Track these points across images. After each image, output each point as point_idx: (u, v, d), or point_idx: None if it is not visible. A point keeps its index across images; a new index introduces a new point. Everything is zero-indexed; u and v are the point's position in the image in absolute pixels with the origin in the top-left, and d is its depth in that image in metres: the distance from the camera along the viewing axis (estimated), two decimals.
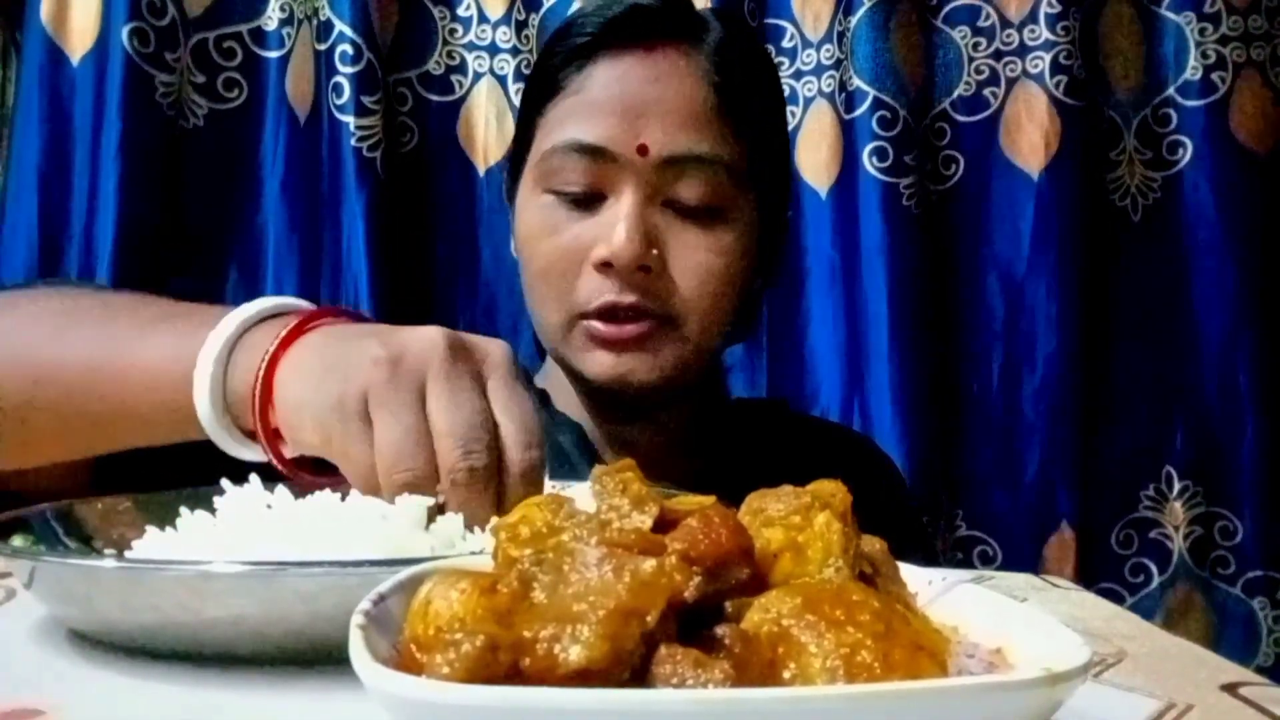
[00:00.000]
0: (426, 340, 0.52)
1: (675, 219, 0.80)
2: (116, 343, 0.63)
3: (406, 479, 0.50)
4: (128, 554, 0.49)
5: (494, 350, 0.55)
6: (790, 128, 1.27)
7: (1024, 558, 1.22)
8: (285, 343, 0.55)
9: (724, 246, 0.80)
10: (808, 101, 1.27)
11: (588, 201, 0.80)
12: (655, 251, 0.78)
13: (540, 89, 0.84)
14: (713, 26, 0.83)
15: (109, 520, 0.53)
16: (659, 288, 0.79)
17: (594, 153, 0.79)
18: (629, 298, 0.78)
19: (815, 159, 1.26)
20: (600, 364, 0.80)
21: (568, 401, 0.87)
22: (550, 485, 0.54)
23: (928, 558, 0.98)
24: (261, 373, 0.55)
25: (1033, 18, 1.25)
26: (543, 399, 0.87)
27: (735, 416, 0.96)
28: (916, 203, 1.23)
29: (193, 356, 0.57)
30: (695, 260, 0.80)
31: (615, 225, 0.77)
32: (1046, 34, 1.24)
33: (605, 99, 0.80)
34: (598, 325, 0.78)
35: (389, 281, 1.18)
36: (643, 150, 0.78)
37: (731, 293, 0.82)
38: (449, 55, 1.25)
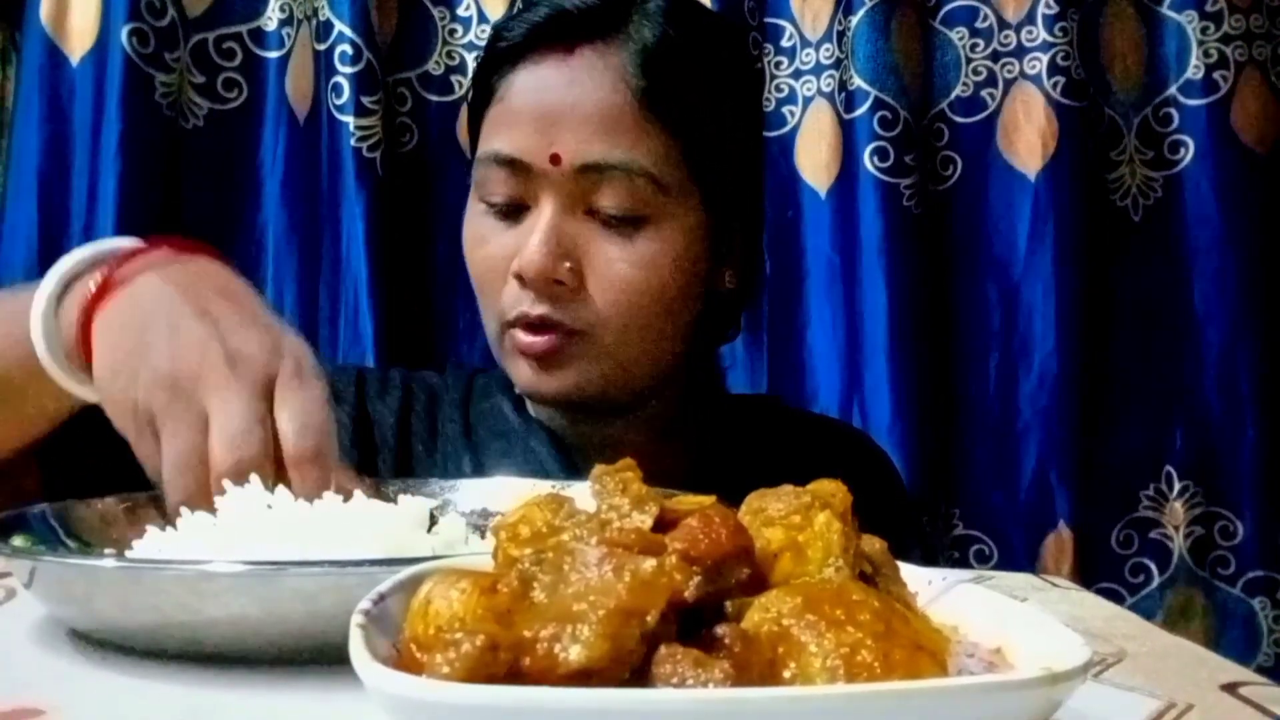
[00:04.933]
0: (206, 356, 0.56)
1: (597, 229, 0.78)
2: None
3: (181, 497, 0.54)
4: (128, 554, 0.49)
5: (283, 351, 0.59)
6: (789, 127, 1.27)
7: (1022, 557, 1.22)
8: (92, 307, 0.61)
9: (646, 258, 0.78)
10: (807, 101, 1.26)
11: (513, 212, 0.80)
12: (569, 265, 0.77)
13: (478, 95, 0.84)
14: (645, 23, 0.80)
15: (109, 520, 0.53)
16: (574, 301, 0.77)
17: (511, 164, 0.78)
18: (538, 309, 0.77)
19: (815, 159, 1.25)
20: (522, 374, 0.80)
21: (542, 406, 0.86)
22: (550, 486, 0.54)
23: (925, 552, 0.97)
24: (79, 332, 0.61)
25: (1030, 19, 1.25)
26: (518, 404, 0.87)
27: (727, 412, 0.94)
28: (917, 203, 1.23)
29: (28, 313, 0.62)
30: (613, 273, 0.78)
31: (531, 237, 0.77)
32: (1044, 35, 1.24)
33: (522, 107, 0.79)
34: (518, 334, 0.79)
35: (389, 281, 1.18)
36: (555, 160, 0.77)
37: (657, 305, 0.79)
38: (449, 55, 1.25)
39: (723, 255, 0.84)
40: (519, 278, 0.77)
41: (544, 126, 0.77)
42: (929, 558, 0.95)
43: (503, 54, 0.81)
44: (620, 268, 0.78)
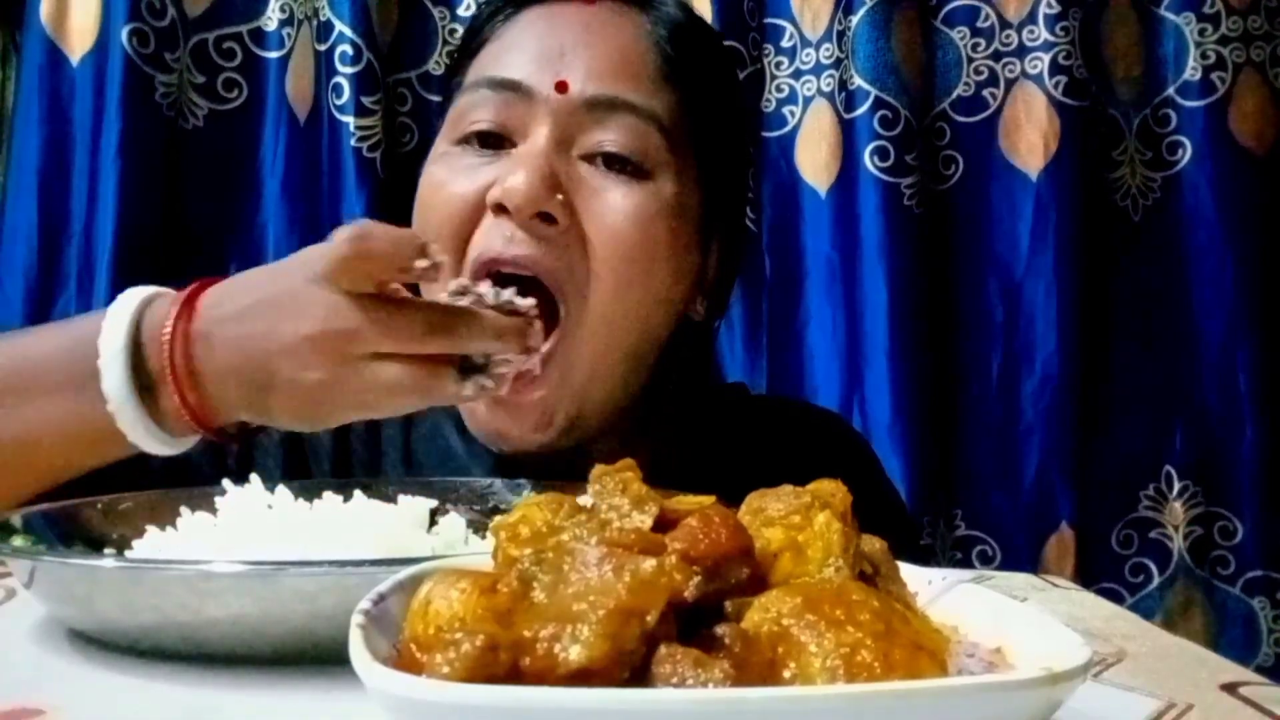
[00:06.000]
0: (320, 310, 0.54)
1: (595, 172, 0.68)
2: (20, 349, 0.62)
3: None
4: (128, 554, 0.49)
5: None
6: (789, 127, 1.27)
7: (1023, 558, 1.22)
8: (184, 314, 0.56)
9: (649, 212, 0.68)
10: (807, 101, 1.26)
11: (493, 143, 0.69)
12: (561, 197, 0.66)
13: (465, 48, 0.76)
14: (669, 3, 0.75)
15: (109, 520, 0.53)
16: (565, 244, 0.66)
17: (506, 87, 0.69)
18: (515, 249, 0.65)
19: (815, 159, 1.25)
20: (477, 418, 0.69)
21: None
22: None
23: (909, 538, 0.94)
24: (168, 337, 0.55)
25: (1031, 19, 1.25)
26: (460, 424, 0.76)
27: (695, 411, 0.85)
28: (918, 202, 1.23)
29: (93, 337, 0.57)
30: (614, 220, 0.67)
31: (516, 165, 0.66)
32: (1045, 35, 1.24)
33: (528, 39, 0.70)
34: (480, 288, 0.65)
35: None
36: (561, 87, 0.67)
37: (655, 273, 0.69)
38: (449, 55, 1.25)
39: (701, 276, 0.77)
40: (497, 210, 0.66)
41: (553, 55, 0.69)
42: (912, 545, 0.92)
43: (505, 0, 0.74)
44: (616, 216, 0.68)
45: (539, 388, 0.67)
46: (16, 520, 0.50)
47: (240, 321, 0.56)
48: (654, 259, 0.69)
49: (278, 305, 0.55)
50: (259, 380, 0.55)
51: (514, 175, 0.66)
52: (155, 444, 0.58)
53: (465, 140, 0.71)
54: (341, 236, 0.55)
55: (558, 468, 0.69)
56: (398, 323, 0.54)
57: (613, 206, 0.68)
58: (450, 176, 0.70)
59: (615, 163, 0.69)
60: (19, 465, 0.60)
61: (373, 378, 0.54)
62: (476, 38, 0.75)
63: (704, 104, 0.74)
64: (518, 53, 0.70)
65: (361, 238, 0.54)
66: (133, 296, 0.58)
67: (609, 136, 0.68)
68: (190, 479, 0.58)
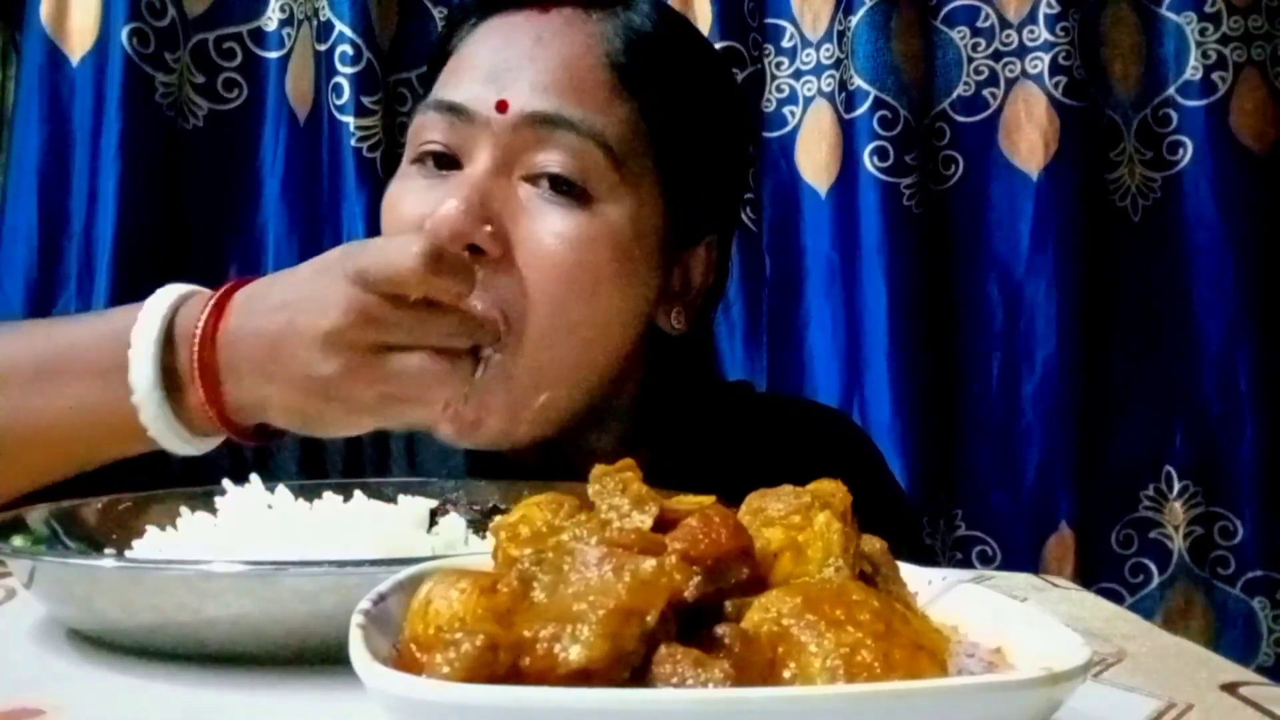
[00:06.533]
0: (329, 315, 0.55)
1: (533, 196, 0.67)
2: (55, 335, 0.63)
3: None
4: (128, 554, 0.49)
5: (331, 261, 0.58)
6: (789, 127, 1.27)
7: (1024, 558, 1.22)
8: (215, 316, 0.57)
9: (583, 237, 0.67)
10: (807, 101, 1.27)
11: (443, 164, 0.70)
12: (490, 229, 0.65)
13: (434, 60, 0.76)
14: (638, 11, 0.73)
15: (109, 520, 0.53)
16: (496, 274, 0.65)
17: (451, 110, 0.69)
18: None
19: (815, 159, 1.26)
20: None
21: None
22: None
23: (911, 537, 0.94)
24: (200, 332, 0.56)
25: (1032, 18, 1.25)
26: None
27: (698, 411, 0.83)
28: (918, 203, 1.23)
29: (128, 326, 0.57)
30: (544, 248, 0.66)
31: (448, 196, 0.66)
32: (1046, 35, 1.24)
33: (478, 56, 0.70)
34: None
35: None
36: (501, 107, 0.67)
37: (595, 297, 0.68)
38: None
39: (666, 291, 0.74)
40: None
41: (497, 75, 0.68)
42: (915, 546, 0.92)
43: (469, 8, 0.74)
44: (551, 243, 0.66)
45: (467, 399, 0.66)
46: (37, 517, 0.50)
47: (265, 318, 0.57)
48: (596, 284, 0.68)
49: (307, 302, 0.56)
50: (279, 375, 0.56)
51: (444, 206, 0.65)
52: (177, 441, 0.58)
53: (420, 160, 0.71)
54: (412, 250, 0.54)
55: (556, 467, 0.70)
56: (436, 324, 0.57)
57: (548, 231, 0.67)
58: (401, 197, 0.70)
59: (561, 184, 0.67)
60: (42, 448, 0.61)
61: (400, 367, 0.56)
62: (440, 50, 0.75)
63: (667, 116, 0.71)
64: (467, 71, 0.70)
65: (438, 260, 0.55)
66: (170, 292, 0.59)
67: (551, 157, 0.67)
68: (212, 479, 0.58)
